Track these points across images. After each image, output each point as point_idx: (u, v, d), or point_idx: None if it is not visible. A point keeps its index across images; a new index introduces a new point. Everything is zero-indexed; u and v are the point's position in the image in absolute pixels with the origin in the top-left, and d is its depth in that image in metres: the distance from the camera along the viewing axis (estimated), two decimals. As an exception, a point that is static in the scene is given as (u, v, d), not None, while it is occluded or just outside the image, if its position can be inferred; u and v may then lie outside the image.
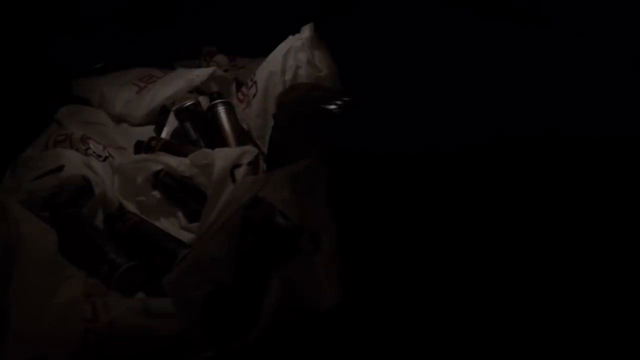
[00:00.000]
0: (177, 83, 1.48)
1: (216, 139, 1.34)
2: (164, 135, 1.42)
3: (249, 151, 1.19)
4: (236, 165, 1.15)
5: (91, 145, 1.33)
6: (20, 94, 1.56)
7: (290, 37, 1.43)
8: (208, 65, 1.67)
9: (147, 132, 1.47)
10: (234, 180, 1.14)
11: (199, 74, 1.48)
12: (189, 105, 1.37)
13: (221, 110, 1.37)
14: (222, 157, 1.14)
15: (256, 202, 0.91)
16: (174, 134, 1.43)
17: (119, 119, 1.52)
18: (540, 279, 0.98)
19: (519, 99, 1.12)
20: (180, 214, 1.21)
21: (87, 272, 1.03)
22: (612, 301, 0.95)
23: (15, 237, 0.86)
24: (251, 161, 1.18)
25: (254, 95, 1.40)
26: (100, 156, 1.31)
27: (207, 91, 1.56)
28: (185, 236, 1.15)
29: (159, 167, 1.23)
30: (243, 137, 1.36)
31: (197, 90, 1.55)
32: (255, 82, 1.41)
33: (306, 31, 1.41)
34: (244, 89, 1.45)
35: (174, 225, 1.20)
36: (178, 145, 1.34)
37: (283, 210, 0.90)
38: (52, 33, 1.64)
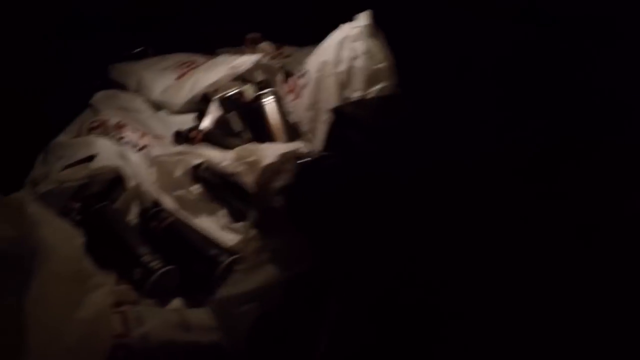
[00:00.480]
0: (220, 70, 1.32)
1: (262, 132, 1.18)
2: (205, 125, 1.26)
3: (300, 148, 1.03)
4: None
5: (126, 134, 1.20)
6: (56, 78, 1.44)
7: (345, 25, 1.27)
8: (253, 53, 1.52)
9: (187, 120, 1.32)
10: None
11: (244, 61, 1.32)
12: (234, 94, 1.21)
13: (269, 101, 1.21)
14: (270, 154, 0.98)
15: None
16: (216, 124, 1.27)
17: (157, 106, 1.37)
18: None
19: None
20: (222, 212, 1.05)
21: (117, 274, 0.90)
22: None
23: (34, 241, 0.71)
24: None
25: (305, 86, 1.23)
26: (135, 146, 1.17)
27: (252, 80, 1.39)
28: (227, 237, 0.99)
29: (199, 160, 1.09)
30: (292, 130, 1.20)
31: (241, 78, 1.39)
32: (306, 72, 1.25)
33: (363, 19, 1.24)
34: (293, 79, 1.30)
35: (214, 224, 1.04)
36: (220, 137, 1.19)
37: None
38: (90, 15, 1.52)
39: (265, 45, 1.54)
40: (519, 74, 1.06)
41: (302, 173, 0.89)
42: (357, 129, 0.95)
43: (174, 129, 1.28)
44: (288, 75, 1.46)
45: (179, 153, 1.07)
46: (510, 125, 1.00)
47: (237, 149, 1.05)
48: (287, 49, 1.58)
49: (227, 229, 1.03)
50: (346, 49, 1.21)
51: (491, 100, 1.07)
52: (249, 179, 0.96)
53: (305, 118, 1.24)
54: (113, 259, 0.90)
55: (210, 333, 0.81)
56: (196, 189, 1.08)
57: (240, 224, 1.02)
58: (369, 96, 1.22)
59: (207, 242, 0.93)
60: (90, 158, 1.10)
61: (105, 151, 1.12)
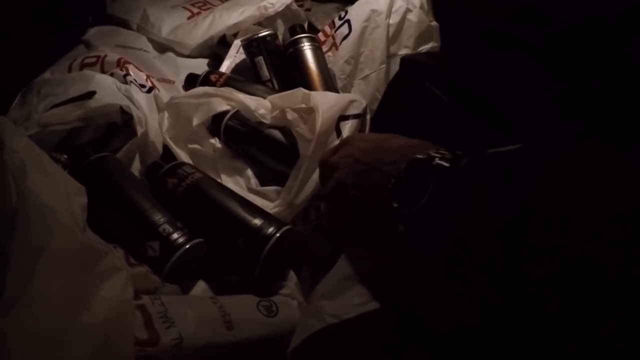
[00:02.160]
0: (245, 10, 0.99)
1: (298, 82, 0.86)
2: (223, 70, 0.95)
3: (357, 100, 0.73)
4: (343, 117, 0.71)
5: (131, 72, 0.86)
6: (39, 8, 1.08)
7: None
8: (273, -1, 1.20)
9: (199, 65, 0.99)
10: (339, 135, 0.70)
11: (274, 3, 0.99)
12: (266, 36, 0.90)
13: (306, 47, 0.89)
14: (327, 102, 0.68)
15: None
16: (237, 70, 0.96)
17: (163, 47, 1.02)
18: None
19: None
20: (249, 172, 0.75)
21: (126, 251, 0.58)
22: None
23: (17, 195, 0.39)
24: (360, 114, 0.74)
25: (345, 37, 0.93)
26: (143, 86, 0.84)
27: (273, 28, 1.08)
28: (256, 202, 0.68)
29: (225, 107, 0.78)
30: (332, 84, 0.90)
31: (261, 24, 1.08)
32: (347, 21, 0.94)
33: None
34: (327, 28, 0.99)
35: (239, 186, 0.74)
36: (245, 83, 0.87)
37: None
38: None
39: (286, -8, 1.23)
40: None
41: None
42: (438, 83, 0.67)
43: (184, 72, 0.95)
44: (311, 28, 1.17)
45: (203, 95, 0.76)
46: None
47: (275, 96, 0.75)
48: (307, 2, 1.28)
49: (255, 193, 0.73)
50: (401, -1, 0.93)
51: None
52: (303, 131, 0.66)
53: (341, 72, 0.94)
54: (116, 229, 0.60)
55: (257, 327, 0.53)
56: (215, 143, 0.78)
57: (273, 188, 0.73)
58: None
59: (250, 208, 0.62)
60: (87, 96, 0.77)
61: (107, 88, 0.77)
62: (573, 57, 0.85)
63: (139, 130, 0.73)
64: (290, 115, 0.67)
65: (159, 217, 0.60)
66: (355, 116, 0.72)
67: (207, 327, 0.48)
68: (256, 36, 0.89)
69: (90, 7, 1.13)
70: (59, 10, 1.11)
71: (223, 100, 0.75)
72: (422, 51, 0.95)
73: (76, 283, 0.39)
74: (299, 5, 1.21)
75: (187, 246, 0.57)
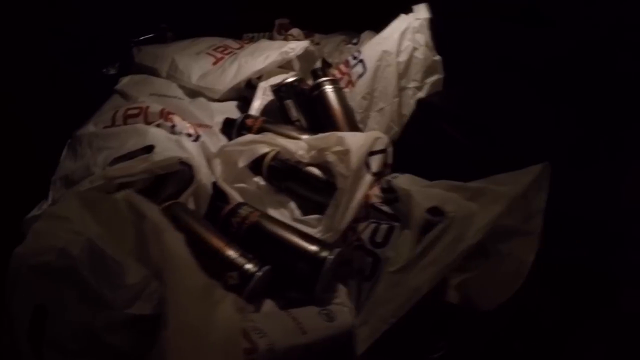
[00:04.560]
0: (269, 55, 1.21)
1: (324, 121, 1.09)
2: (252, 112, 1.17)
3: (381, 137, 0.95)
4: (371, 153, 0.93)
5: (176, 122, 1.07)
6: (69, 61, 1.29)
7: (403, 15, 1.21)
8: (285, 38, 1.42)
9: (229, 108, 1.21)
10: (368, 168, 0.92)
11: (294, 47, 1.22)
12: (293, 81, 1.12)
13: (329, 89, 1.11)
14: (357, 142, 0.90)
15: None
16: (264, 111, 1.18)
17: (193, 93, 1.25)
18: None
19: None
20: (292, 205, 0.97)
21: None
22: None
23: (160, 253, 0.61)
24: (384, 148, 0.96)
25: (361, 75, 1.16)
26: (190, 135, 1.05)
27: (289, 68, 1.30)
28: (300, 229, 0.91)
29: (267, 149, 1.00)
30: (353, 120, 1.12)
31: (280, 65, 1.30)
32: (362, 61, 1.17)
33: (423, 11, 1.19)
34: (342, 67, 1.22)
35: (284, 217, 0.96)
36: (278, 126, 1.09)
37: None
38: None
39: (295, 31, 1.46)
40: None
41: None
42: (447, 120, 0.90)
43: (217, 116, 1.18)
44: (323, 62, 1.39)
45: (250, 142, 0.97)
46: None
47: (311, 138, 0.97)
48: (317, 37, 1.50)
49: (299, 222, 0.95)
50: (407, 39, 1.17)
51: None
52: (342, 169, 0.88)
53: (359, 107, 1.16)
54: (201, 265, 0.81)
55: (323, 331, 0.75)
56: (259, 181, 1.00)
57: (314, 217, 0.94)
58: (424, 87, 1.18)
59: (304, 237, 0.84)
60: (147, 149, 0.98)
61: (162, 141, 0.99)
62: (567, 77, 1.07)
63: (197, 177, 0.94)
64: (331, 157, 0.89)
65: (232, 252, 0.82)
66: (381, 151, 0.94)
67: (289, 333, 0.70)
68: (285, 82, 1.12)
69: (118, 56, 1.36)
70: (86, 60, 1.33)
71: (266, 145, 0.97)
72: (428, 83, 1.18)
73: (203, 308, 0.61)
74: (309, 41, 1.45)
75: (260, 273, 0.79)
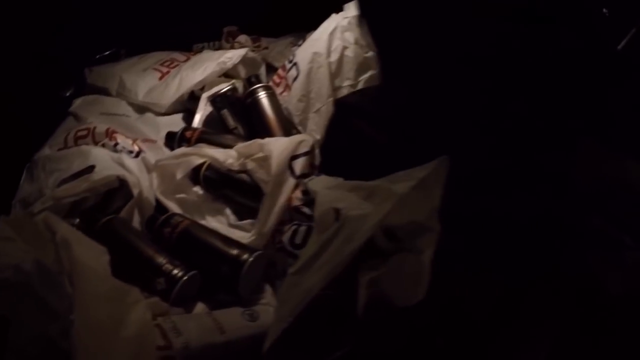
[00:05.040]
0: (207, 67, 1.30)
1: (258, 127, 1.18)
2: (195, 124, 1.25)
3: (305, 140, 1.02)
4: (294, 157, 1.00)
5: (119, 140, 1.16)
6: (27, 88, 1.38)
7: (334, 15, 1.27)
8: (232, 47, 1.49)
9: (175, 121, 1.30)
10: (292, 172, 0.99)
11: (231, 56, 1.30)
12: (226, 91, 1.19)
13: (262, 96, 1.20)
14: (278, 147, 0.98)
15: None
16: (207, 121, 1.26)
17: (141, 109, 1.34)
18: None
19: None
20: (228, 211, 1.05)
21: (141, 288, 0.88)
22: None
23: (68, 263, 0.70)
24: (308, 151, 1.03)
25: (295, 78, 1.23)
26: (131, 152, 1.14)
27: (235, 75, 1.39)
28: (236, 235, 0.99)
29: (201, 160, 1.08)
30: (287, 124, 1.20)
31: (225, 74, 1.38)
32: (295, 64, 1.24)
33: (352, 9, 1.25)
34: (280, 71, 1.29)
35: (221, 224, 1.04)
36: (216, 135, 1.17)
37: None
38: (59, 20, 1.45)
39: (242, 37, 1.53)
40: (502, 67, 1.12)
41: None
42: (364, 119, 0.96)
43: (163, 130, 1.26)
44: (269, 67, 1.46)
45: (182, 155, 1.06)
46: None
47: (240, 146, 1.04)
48: (264, 41, 1.57)
49: (235, 227, 1.03)
50: (337, 39, 1.23)
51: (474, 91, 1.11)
52: (261, 175, 0.96)
53: (296, 109, 1.23)
54: (133, 273, 0.89)
55: (242, 330, 0.82)
56: (198, 190, 1.08)
57: (248, 221, 1.02)
58: (359, 85, 1.24)
59: (227, 242, 0.92)
60: (88, 170, 1.07)
61: (102, 160, 1.08)
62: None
63: (135, 192, 1.03)
64: (250, 165, 0.97)
65: (161, 260, 0.90)
66: (305, 153, 1.01)
67: (205, 332, 0.78)
68: (218, 93, 1.20)
69: (72, 78, 1.45)
70: (44, 85, 1.42)
71: (199, 156, 1.05)
72: (362, 80, 1.24)
73: (115, 310, 0.69)
74: (255, 46, 1.52)
75: (185, 278, 0.87)
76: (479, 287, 0.93)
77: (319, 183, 0.89)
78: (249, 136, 1.18)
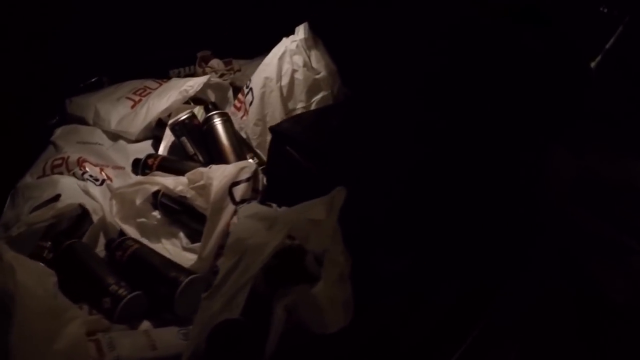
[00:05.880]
0: (171, 95, 1.44)
1: (214, 153, 1.30)
2: (161, 150, 1.38)
3: (247, 166, 1.14)
4: (235, 183, 1.12)
5: (87, 169, 1.31)
6: (14, 117, 1.54)
7: (284, 39, 1.38)
8: (204, 71, 1.63)
9: (145, 147, 1.44)
10: (232, 198, 1.11)
11: (192, 84, 1.44)
12: (183, 119, 1.33)
13: (217, 123, 1.33)
14: (218, 176, 1.10)
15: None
16: (172, 148, 1.40)
17: (115, 136, 1.48)
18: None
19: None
20: (181, 234, 1.18)
21: (90, 306, 1.02)
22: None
23: (12, 286, 0.84)
24: (250, 177, 1.14)
25: (251, 103, 1.35)
26: (97, 180, 1.29)
27: (207, 100, 1.51)
28: (188, 257, 1.12)
29: (156, 188, 1.21)
30: (242, 148, 1.32)
31: (195, 99, 1.51)
32: (251, 89, 1.36)
33: (300, 32, 1.36)
34: (240, 96, 1.41)
35: (176, 247, 1.17)
36: (176, 162, 1.31)
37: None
38: (41, 49, 1.62)
39: (215, 62, 1.66)
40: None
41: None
42: (293, 146, 1.07)
43: (132, 157, 1.40)
44: (239, 90, 1.58)
45: (137, 184, 1.19)
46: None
47: (189, 174, 1.17)
48: (236, 64, 1.70)
49: (187, 250, 1.16)
50: (287, 62, 1.34)
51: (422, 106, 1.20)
52: (200, 203, 1.08)
53: (253, 133, 1.36)
54: (85, 292, 1.03)
55: (174, 348, 0.94)
56: (157, 214, 1.21)
57: (198, 244, 1.14)
58: (312, 106, 1.35)
59: (167, 265, 1.05)
60: (55, 198, 1.22)
61: (69, 189, 1.23)
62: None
63: (95, 218, 1.17)
64: (189, 193, 1.09)
65: (110, 281, 1.04)
66: (247, 180, 1.13)
67: (138, 348, 0.91)
68: (177, 121, 1.33)
69: (55, 110, 1.61)
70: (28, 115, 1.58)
71: (152, 184, 1.18)
72: (315, 101, 1.35)
73: (50, 326, 0.83)
74: (228, 69, 1.65)
75: (128, 297, 1.00)
76: (409, 311, 1.01)
77: (245, 211, 1.00)
78: (209, 162, 1.30)
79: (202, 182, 1.10)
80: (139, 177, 1.24)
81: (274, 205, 1.05)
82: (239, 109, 1.41)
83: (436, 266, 1.07)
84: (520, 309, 1.09)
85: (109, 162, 1.39)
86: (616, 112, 1.20)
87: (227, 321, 0.83)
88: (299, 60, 1.33)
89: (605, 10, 1.24)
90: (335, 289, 0.82)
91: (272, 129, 1.15)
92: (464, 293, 1.08)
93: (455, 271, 1.08)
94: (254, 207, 1.02)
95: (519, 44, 1.20)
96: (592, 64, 1.23)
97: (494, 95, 1.19)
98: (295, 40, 1.35)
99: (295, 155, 1.05)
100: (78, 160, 1.34)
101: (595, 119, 1.19)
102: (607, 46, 1.22)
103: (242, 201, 1.10)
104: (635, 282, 1.15)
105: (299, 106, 1.35)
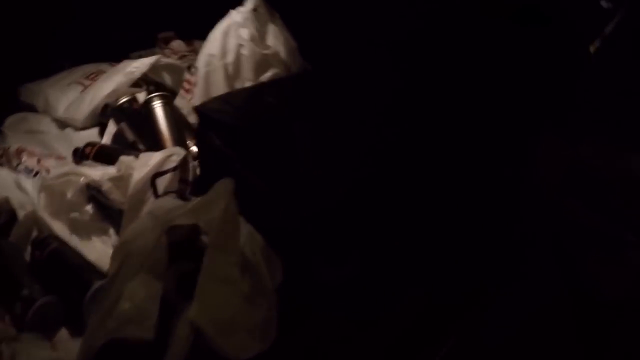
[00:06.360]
0: (117, 78, 1.36)
1: (152, 140, 1.22)
2: (105, 138, 1.32)
3: (175, 154, 1.06)
4: (159, 174, 1.04)
5: (23, 159, 1.25)
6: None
7: (232, 10, 1.28)
8: (163, 53, 1.55)
9: (91, 136, 1.36)
10: (155, 191, 1.03)
11: (139, 66, 1.36)
12: (122, 104, 1.25)
13: (156, 106, 1.25)
14: (140, 165, 1.02)
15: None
16: (118, 135, 1.33)
17: (63, 124, 1.42)
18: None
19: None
20: (111, 231, 1.11)
21: (5, 311, 0.97)
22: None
23: None
24: (176, 166, 1.06)
25: (196, 84, 1.27)
26: (31, 171, 1.23)
27: (162, 83, 1.44)
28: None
29: (82, 179, 1.14)
30: (182, 134, 1.23)
31: (148, 82, 1.43)
32: (197, 69, 1.27)
33: (249, 2, 1.26)
34: (188, 76, 1.32)
35: (105, 244, 1.10)
36: (114, 150, 1.23)
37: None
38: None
39: (176, 43, 1.58)
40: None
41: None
42: (217, 130, 0.98)
43: (76, 145, 1.34)
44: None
45: (65, 174, 1.12)
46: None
47: (117, 164, 1.10)
48: (198, 44, 1.60)
49: (115, 247, 1.10)
50: (232, 37, 1.24)
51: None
52: (116, 196, 1.01)
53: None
54: (4, 297, 0.98)
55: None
56: (89, 209, 1.14)
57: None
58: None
59: (82, 266, 0.99)
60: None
61: (2, 182, 1.18)
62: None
63: (20, 214, 1.12)
64: (105, 186, 1.01)
65: (24, 283, 0.98)
66: (173, 169, 1.04)
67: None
68: (117, 104, 1.25)
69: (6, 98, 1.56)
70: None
71: (79, 176, 1.12)
72: (265, 79, 1.24)
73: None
74: (189, 50, 1.56)
75: (38, 303, 0.94)
76: (355, 328, 0.92)
77: (156, 205, 0.92)
78: (150, 149, 1.22)
79: (120, 173, 1.03)
80: (65, 168, 1.17)
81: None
82: (187, 91, 1.32)
83: (395, 273, 0.97)
84: (513, 323, 1.04)
85: (52, 152, 1.32)
86: (611, 104, 1.14)
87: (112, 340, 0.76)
88: (245, 33, 1.23)
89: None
90: (231, 309, 0.74)
91: (196, 109, 1.06)
92: (432, 305, 0.98)
93: (421, 279, 0.99)
94: (162, 201, 0.94)
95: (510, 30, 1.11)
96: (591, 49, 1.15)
97: (473, 76, 1.10)
98: (242, 12, 1.24)
99: (216, 140, 0.96)
100: (17, 150, 1.29)
101: (590, 110, 1.14)
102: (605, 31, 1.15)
103: (166, 193, 1.02)
104: (632, 277, 1.09)
105: (247, 84, 1.25)
